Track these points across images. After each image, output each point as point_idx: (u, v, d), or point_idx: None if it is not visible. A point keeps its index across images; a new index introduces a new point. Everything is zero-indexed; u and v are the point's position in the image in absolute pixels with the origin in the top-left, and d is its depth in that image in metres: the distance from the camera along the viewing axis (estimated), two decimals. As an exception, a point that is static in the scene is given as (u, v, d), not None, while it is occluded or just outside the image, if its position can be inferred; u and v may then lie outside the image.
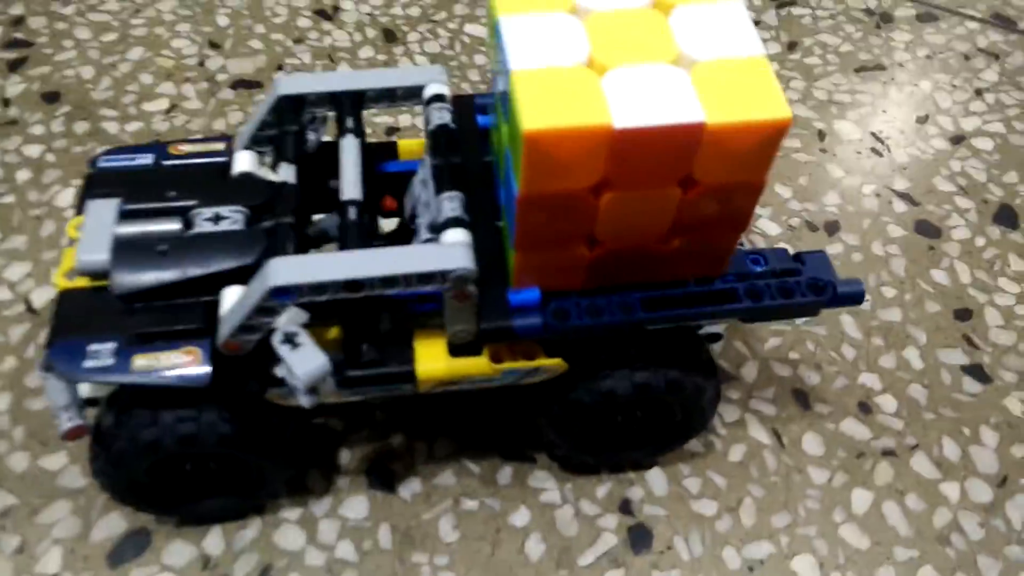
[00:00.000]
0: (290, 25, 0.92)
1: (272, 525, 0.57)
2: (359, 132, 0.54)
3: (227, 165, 0.54)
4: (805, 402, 0.65)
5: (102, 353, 0.46)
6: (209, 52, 0.88)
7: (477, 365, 0.50)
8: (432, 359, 0.50)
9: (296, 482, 0.59)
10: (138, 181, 0.52)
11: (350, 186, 0.51)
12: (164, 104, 0.83)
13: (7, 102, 0.82)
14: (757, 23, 0.94)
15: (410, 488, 0.59)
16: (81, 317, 0.48)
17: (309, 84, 0.54)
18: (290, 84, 0.53)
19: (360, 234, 0.49)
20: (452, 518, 0.58)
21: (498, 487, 0.60)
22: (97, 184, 0.53)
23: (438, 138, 0.51)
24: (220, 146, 0.55)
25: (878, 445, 0.63)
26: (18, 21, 0.90)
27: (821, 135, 0.83)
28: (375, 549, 0.56)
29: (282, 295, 0.44)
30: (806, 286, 0.50)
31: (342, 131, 0.53)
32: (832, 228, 0.76)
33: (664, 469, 0.61)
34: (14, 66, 0.85)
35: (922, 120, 0.85)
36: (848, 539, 0.58)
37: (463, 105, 0.56)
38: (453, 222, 0.47)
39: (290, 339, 0.45)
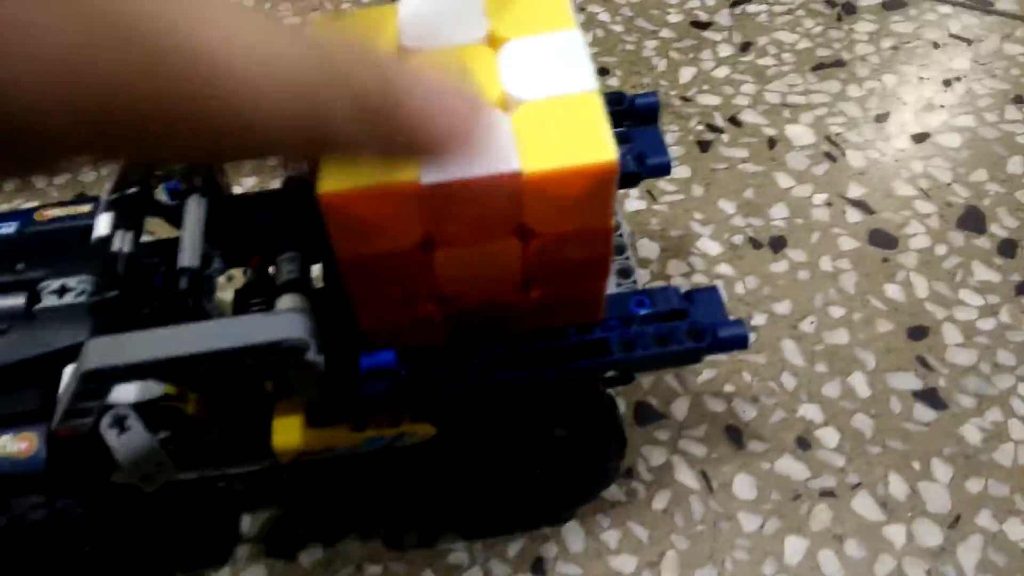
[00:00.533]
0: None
1: (166, 601, 0.55)
2: (208, 191, 0.51)
3: (89, 230, 0.51)
4: (739, 440, 0.60)
5: None
6: (140, 96, 0.86)
7: (336, 435, 0.46)
8: (289, 430, 0.46)
9: (192, 554, 0.56)
10: None
11: (185, 253, 0.48)
12: (92, 153, 0.81)
13: (-62, 161, 0.81)
14: (709, 24, 0.89)
15: (312, 554, 0.56)
16: None
17: None
18: None
19: (193, 305, 0.46)
20: (353, 586, 0.55)
21: (404, 550, 0.56)
22: None
23: (290, 192, 0.48)
24: (86, 209, 0.53)
25: (816, 485, 0.58)
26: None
27: (771, 142, 0.78)
28: (269, 624, 0.54)
29: (98, 379, 0.41)
30: (685, 332, 0.46)
31: (188, 190, 0.51)
32: (777, 244, 0.70)
33: (582, 522, 0.57)
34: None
35: (882, 118, 0.79)
36: (777, 594, 0.54)
37: None
38: (288, 286, 0.44)
39: (119, 422, 0.42)
